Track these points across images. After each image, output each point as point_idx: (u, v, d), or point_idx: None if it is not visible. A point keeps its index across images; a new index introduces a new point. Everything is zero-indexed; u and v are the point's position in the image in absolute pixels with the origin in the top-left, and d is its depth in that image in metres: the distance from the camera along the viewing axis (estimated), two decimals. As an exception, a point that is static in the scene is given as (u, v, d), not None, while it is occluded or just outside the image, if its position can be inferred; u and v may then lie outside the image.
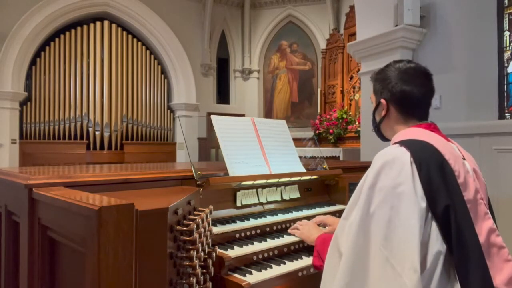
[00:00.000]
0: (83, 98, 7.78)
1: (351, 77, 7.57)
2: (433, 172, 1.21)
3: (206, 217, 1.54)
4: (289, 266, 1.69)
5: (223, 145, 2.02)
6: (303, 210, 2.19)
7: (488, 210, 1.30)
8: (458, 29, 3.72)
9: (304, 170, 2.32)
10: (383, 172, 1.22)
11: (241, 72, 9.55)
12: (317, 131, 7.58)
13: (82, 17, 7.84)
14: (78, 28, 7.80)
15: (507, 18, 3.63)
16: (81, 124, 7.74)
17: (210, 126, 7.99)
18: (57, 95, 7.60)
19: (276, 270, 1.63)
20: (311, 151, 6.32)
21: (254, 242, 1.77)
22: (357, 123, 6.70)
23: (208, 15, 8.79)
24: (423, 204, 1.17)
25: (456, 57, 3.72)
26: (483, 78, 3.63)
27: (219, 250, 1.60)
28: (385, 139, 1.58)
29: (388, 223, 1.16)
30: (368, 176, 1.25)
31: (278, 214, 2.06)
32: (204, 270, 1.43)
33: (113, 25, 8.04)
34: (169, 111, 8.78)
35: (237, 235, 1.82)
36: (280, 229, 1.99)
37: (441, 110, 3.76)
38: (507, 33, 3.62)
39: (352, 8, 7.30)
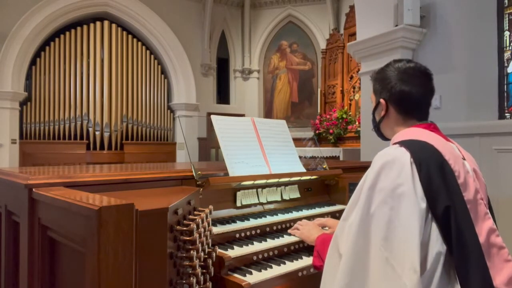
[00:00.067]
0: (83, 98, 7.78)
1: (351, 77, 7.56)
2: (433, 172, 1.21)
3: (206, 217, 1.54)
4: (289, 266, 1.69)
5: (223, 145, 2.02)
6: (303, 210, 2.19)
7: (488, 210, 1.30)
8: (458, 29, 3.72)
9: (304, 170, 2.32)
10: (383, 173, 1.22)
11: (241, 72, 9.55)
12: (317, 131, 7.57)
13: (82, 17, 7.84)
14: (78, 28, 7.80)
15: (507, 18, 3.63)
16: (81, 124, 7.74)
17: (210, 126, 7.98)
18: (57, 95, 7.60)
19: (276, 270, 1.63)
20: (311, 151, 6.31)
21: (254, 242, 1.77)
22: (357, 123, 6.70)
23: (208, 15, 8.79)
24: (423, 204, 1.17)
25: (456, 57, 3.73)
26: (483, 78, 3.63)
27: (219, 250, 1.60)
28: (385, 138, 1.57)
29: (388, 224, 1.16)
30: (368, 177, 1.25)
31: (278, 214, 2.06)
32: (204, 270, 1.43)
33: (113, 25, 8.04)
34: (169, 111, 8.78)
35: (237, 235, 1.82)
36: (280, 229, 1.99)
37: (441, 110, 3.76)
38: (507, 33, 3.62)
39: (352, 8, 7.30)
